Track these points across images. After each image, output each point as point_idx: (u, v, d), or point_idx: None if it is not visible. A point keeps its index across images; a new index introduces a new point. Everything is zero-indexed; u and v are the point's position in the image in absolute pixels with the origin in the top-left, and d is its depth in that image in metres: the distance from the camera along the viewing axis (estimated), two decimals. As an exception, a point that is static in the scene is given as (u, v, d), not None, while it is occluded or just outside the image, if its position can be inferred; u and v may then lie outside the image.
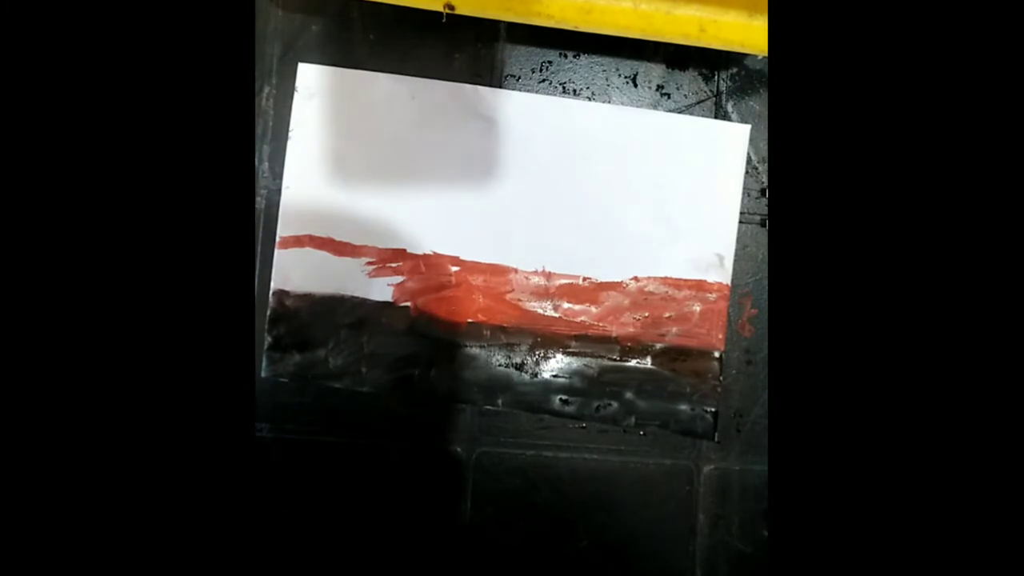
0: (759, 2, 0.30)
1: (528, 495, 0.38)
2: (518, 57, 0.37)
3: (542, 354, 0.38)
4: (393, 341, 0.37)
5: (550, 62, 0.38)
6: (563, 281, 0.38)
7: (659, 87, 0.38)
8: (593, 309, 0.38)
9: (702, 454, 0.38)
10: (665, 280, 0.38)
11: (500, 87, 0.37)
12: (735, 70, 0.38)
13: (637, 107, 0.38)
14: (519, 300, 0.37)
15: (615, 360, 0.38)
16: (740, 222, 0.38)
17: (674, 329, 0.38)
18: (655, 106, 0.38)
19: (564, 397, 0.38)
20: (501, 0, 0.30)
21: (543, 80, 0.38)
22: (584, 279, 0.38)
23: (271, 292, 0.37)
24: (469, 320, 0.37)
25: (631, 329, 0.38)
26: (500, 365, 0.37)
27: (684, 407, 0.38)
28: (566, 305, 0.38)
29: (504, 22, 0.37)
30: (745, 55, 0.38)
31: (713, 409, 0.38)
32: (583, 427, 0.38)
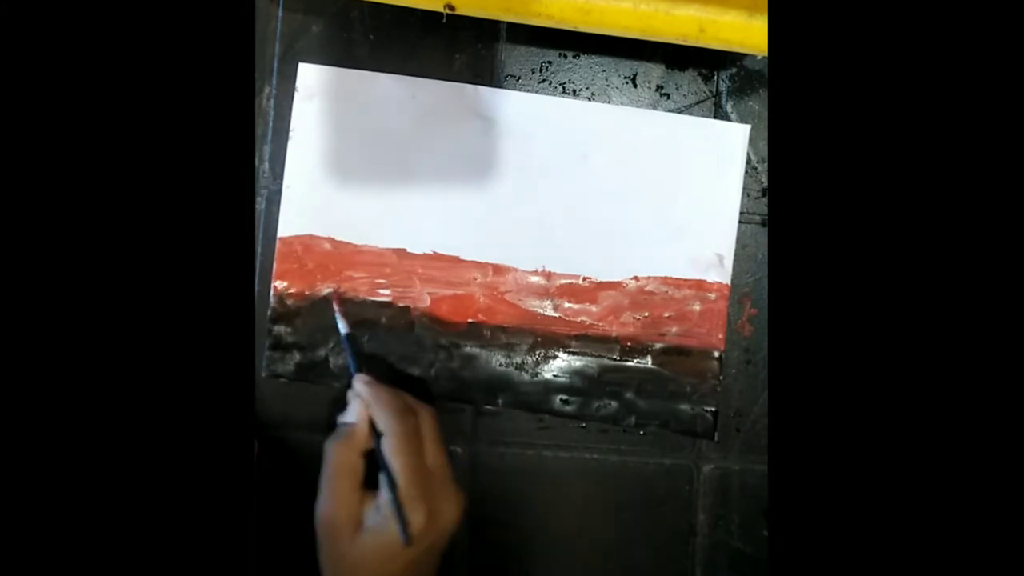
0: (759, 2, 0.30)
1: (528, 495, 0.38)
2: (518, 57, 0.37)
3: (542, 354, 0.38)
4: (393, 341, 0.37)
5: (550, 62, 0.38)
6: (563, 281, 0.38)
7: (659, 87, 0.38)
8: (593, 309, 0.38)
9: (702, 454, 0.38)
10: (665, 280, 0.38)
11: (500, 87, 0.37)
12: (735, 70, 0.38)
13: (637, 107, 0.38)
14: (519, 300, 0.37)
15: (615, 360, 0.38)
16: (740, 222, 0.38)
17: (674, 329, 0.38)
18: (655, 106, 0.38)
19: (564, 397, 0.38)
20: (501, 0, 0.30)
21: (543, 80, 0.38)
22: (584, 279, 0.38)
23: (272, 291, 0.37)
24: (469, 320, 0.37)
25: (631, 329, 0.38)
26: (500, 365, 0.37)
27: (684, 407, 0.38)
28: (566, 305, 0.38)
29: (504, 22, 0.37)
30: (745, 55, 0.38)
31: (713, 409, 0.38)
32: (583, 427, 0.38)
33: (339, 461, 0.31)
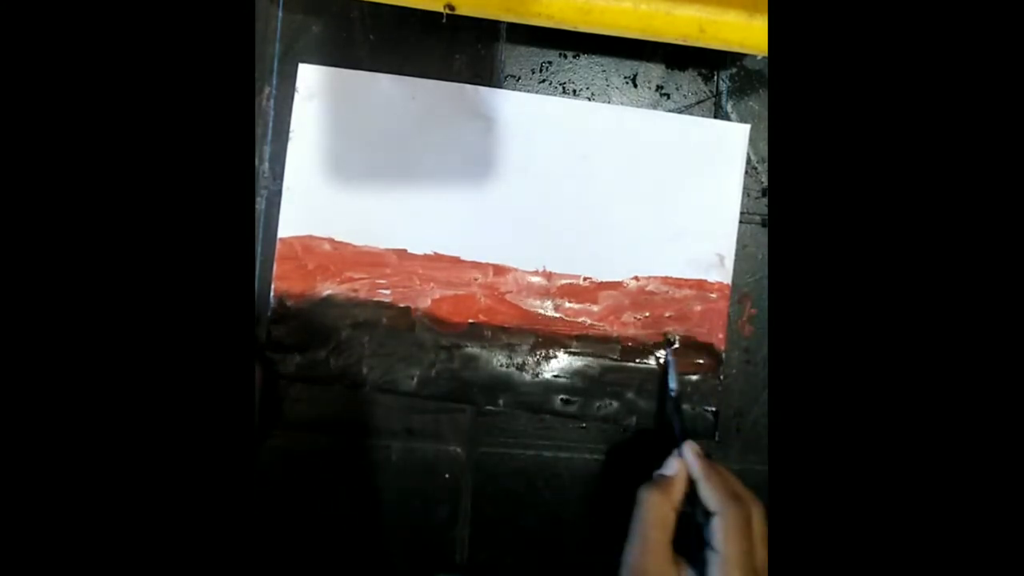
0: (759, 2, 0.30)
1: (528, 495, 0.38)
2: (518, 57, 0.37)
3: (543, 354, 0.38)
4: (393, 341, 0.37)
5: (550, 62, 0.38)
6: (563, 281, 0.38)
7: (659, 87, 0.38)
8: (594, 309, 0.38)
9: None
10: (666, 280, 0.38)
11: (500, 87, 0.37)
12: (735, 70, 0.38)
13: (637, 107, 0.38)
14: (520, 300, 0.37)
15: (616, 360, 0.38)
16: (740, 222, 0.38)
17: (675, 329, 0.38)
18: (655, 106, 0.38)
19: (565, 397, 0.38)
20: (501, 0, 0.30)
21: (543, 80, 0.38)
22: (584, 279, 0.38)
23: (271, 292, 0.37)
24: (470, 320, 0.37)
25: (632, 329, 0.38)
26: (501, 365, 0.37)
27: (684, 407, 0.38)
28: (567, 305, 0.38)
29: (504, 22, 0.37)
30: (745, 55, 0.38)
31: (713, 409, 0.38)
32: (583, 427, 0.38)
33: (655, 512, 0.30)
